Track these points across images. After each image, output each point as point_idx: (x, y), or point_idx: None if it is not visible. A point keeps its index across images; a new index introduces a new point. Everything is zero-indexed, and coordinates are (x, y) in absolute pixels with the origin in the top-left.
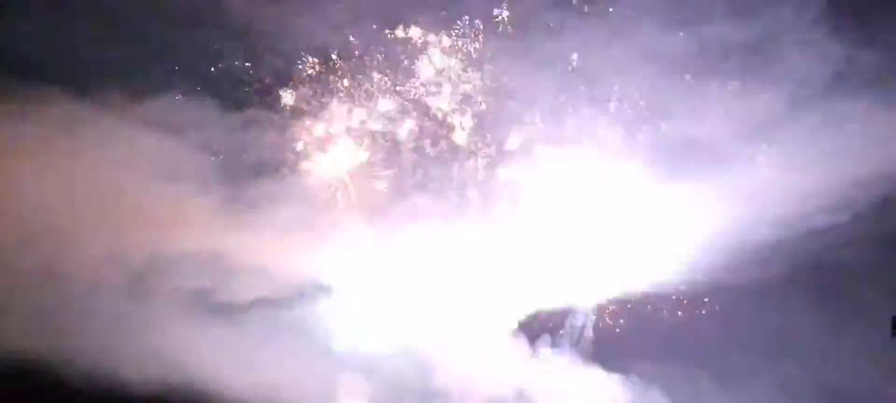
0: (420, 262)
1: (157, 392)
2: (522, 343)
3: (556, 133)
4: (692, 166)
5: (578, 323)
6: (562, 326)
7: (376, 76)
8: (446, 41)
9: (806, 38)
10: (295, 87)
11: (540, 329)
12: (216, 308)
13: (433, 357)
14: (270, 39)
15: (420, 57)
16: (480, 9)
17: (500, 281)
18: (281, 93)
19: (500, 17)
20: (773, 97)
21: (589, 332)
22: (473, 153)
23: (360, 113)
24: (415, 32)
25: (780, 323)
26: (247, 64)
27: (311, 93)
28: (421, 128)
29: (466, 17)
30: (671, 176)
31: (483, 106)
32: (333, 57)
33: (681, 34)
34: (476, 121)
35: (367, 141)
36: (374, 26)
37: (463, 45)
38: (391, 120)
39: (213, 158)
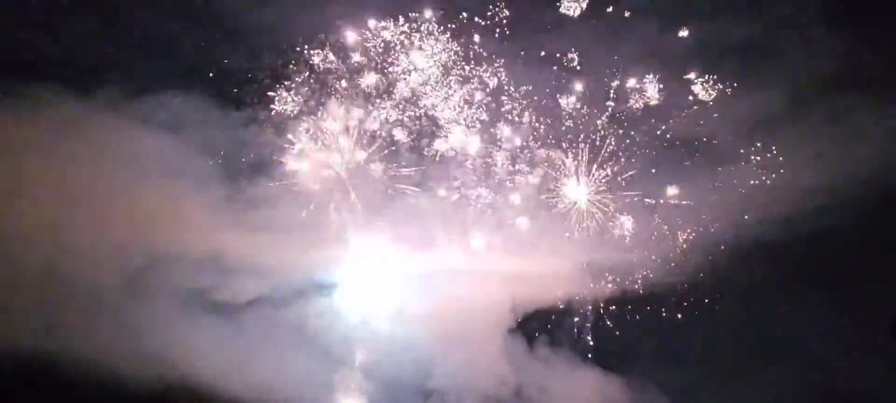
0: (418, 261)
1: (156, 389)
2: (520, 342)
3: (553, 131)
4: (691, 165)
5: (578, 322)
6: (560, 325)
7: (374, 76)
8: (443, 40)
9: (806, 37)
10: (293, 87)
11: (538, 328)
12: (214, 306)
13: (431, 356)
14: (268, 39)
15: (417, 55)
16: (478, 7)
17: (497, 279)
18: (279, 92)
19: (497, 16)
20: (773, 96)
21: (587, 332)
22: (471, 152)
23: (357, 112)
24: (412, 31)
25: (778, 323)
26: (245, 64)
27: (309, 92)
28: (418, 127)
29: (464, 15)
30: (669, 174)
31: (481, 105)
32: (331, 57)
33: (680, 32)
34: (473, 120)
35: (364, 140)
36: (371, 25)
37: (460, 44)
38: (389, 119)
39: (211, 157)
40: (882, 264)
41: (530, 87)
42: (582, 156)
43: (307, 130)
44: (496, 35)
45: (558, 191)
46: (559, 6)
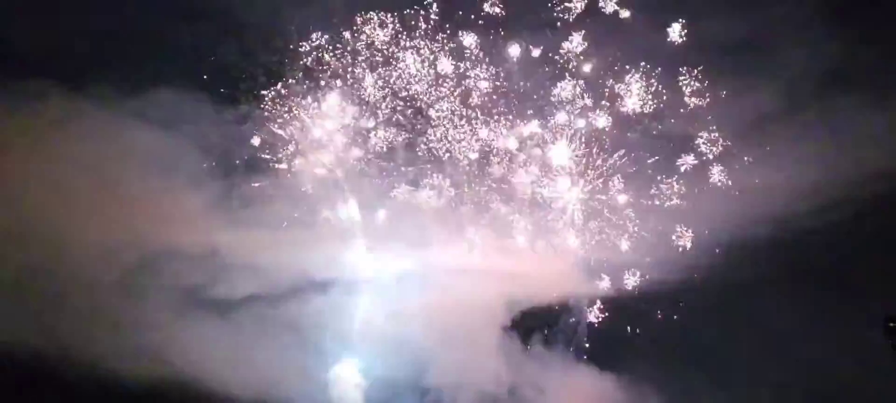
0: (413, 259)
1: (151, 386)
2: (515, 340)
3: (550, 129)
4: (686, 164)
5: (573, 320)
6: (556, 324)
7: (370, 75)
8: (440, 39)
9: (802, 36)
10: (288, 84)
11: (533, 326)
12: (209, 304)
13: (427, 354)
14: (263, 36)
15: (414, 54)
16: (475, 6)
17: (493, 278)
18: (274, 89)
19: (493, 15)
20: (768, 95)
21: (583, 330)
22: (468, 151)
23: (352, 110)
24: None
25: (773, 322)
26: (240, 61)
27: (303, 90)
28: (414, 126)
29: (460, 14)
30: (664, 174)
31: (477, 103)
32: (327, 56)
33: (676, 32)
34: (470, 118)
35: (360, 138)
36: (369, 23)
37: (457, 43)
38: (385, 118)
39: (206, 154)
40: (877, 263)
41: (525, 87)
42: (577, 156)
43: (302, 128)
44: (491, 37)
45: (553, 191)
46: (556, 6)
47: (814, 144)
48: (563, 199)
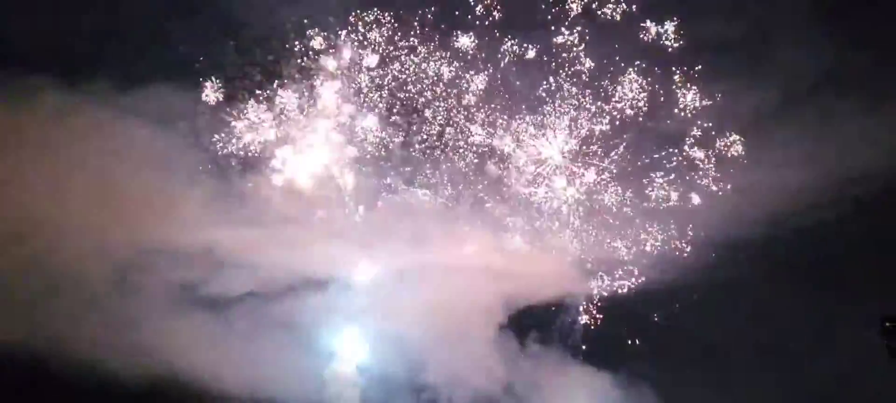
0: (410, 257)
1: (145, 384)
2: (511, 338)
3: (546, 129)
4: (682, 162)
5: (569, 319)
6: (552, 322)
7: (366, 74)
8: (436, 38)
9: (798, 36)
10: (285, 83)
11: (530, 325)
12: (205, 301)
13: (423, 352)
14: (261, 35)
15: (410, 53)
16: (472, 6)
17: (490, 276)
18: (271, 88)
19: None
20: (765, 94)
21: (579, 329)
22: (464, 149)
23: (348, 108)
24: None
25: (768, 321)
26: (238, 59)
27: (300, 88)
28: (410, 124)
29: (457, 13)
30: (661, 173)
31: (472, 102)
32: (323, 55)
33: (672, 33)
34: (466, 117)
35: (356, 136)
36: (365, 23)
37: (453, 43)
38: (381, 116)
39: (202, 152)
40: (872, 262)
41: (521, 87)
42: (572, 155)
43: (298, 126)
44: (487, 39)
45: (549, 190)
46: (552, 6)
47: (809, 144)
48: (558, 199)
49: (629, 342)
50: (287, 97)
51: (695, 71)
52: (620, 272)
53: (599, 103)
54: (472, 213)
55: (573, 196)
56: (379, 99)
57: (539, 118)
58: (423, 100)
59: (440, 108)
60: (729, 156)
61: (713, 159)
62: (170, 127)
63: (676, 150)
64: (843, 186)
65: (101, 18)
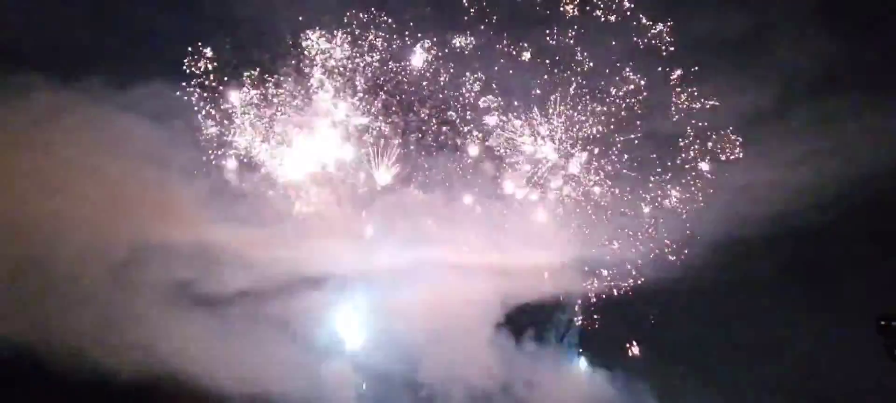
0: (407, 255)
1: (140, 381)
2: (508, 337)
3: (543, 127)
4: (681, 161)
5: (565, 317)
6: (548, 321)
7: (363, 72)
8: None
9: (797, 35)
10: (281, 80)
11: (526, 323)
12: (200, 299)
13: (419, 350)
14: (256, 32)
15: (406, 51)
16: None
17: (486, 274)
18: (266, 85)
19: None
20: (763, 93)
21: (575, 327)
22: (460, 147)
23: (345, 106)
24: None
25: (765, 320)
26: (233, 56)
27: (297, 86)
28: (407, 122)
29: (454, 13)
30: (657, 171)
31: (470, 100)
32: (320, 54)
33: (670, 31)
34: (464, 115)
35: (352, 134)
36: (361, 21)
37: (450, 39)
38: (377, 114)
39: (197, 149)
40: (869, 262)
41: (517, 85)
42: (570, 153)
43: (295, 124)
44: (483, 39)
45: (546, 187)
46: (549, 4)
47: (807, 144)
48: (555, 198)
49: (626, 341)
50: (283, 95)
51: (692, 70)
52: (617, 271)
53: (595, 104)
54: (469, 212)
55: (569, 195)
56: (375, 97)
57: (535, 117)
58: (419, 98)
59: (437, 107)
60: (726, 155)
61: (710, 159)
62: (165, 124)
63: (674, 150)
64: (842, 185)
65: (96, 15)
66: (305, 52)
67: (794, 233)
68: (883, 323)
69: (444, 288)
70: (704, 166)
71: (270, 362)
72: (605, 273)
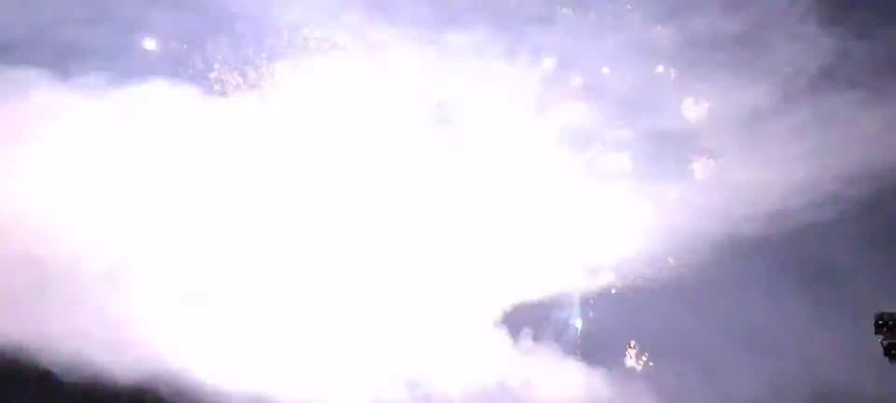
0: (403, 253)
1: (137, 381)
2: (505, 334)
3: (540, 125)
4: (679, 160)
5: (563, 316)
6: (546, 319)
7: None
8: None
9: (797, 32)
10: (278, 78)
11: (523, 321)
12: (197, 297)
13: (416, 348)
14: (255, 29)
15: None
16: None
17: (483, 272)
18: (264, 83)
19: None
20: (763, 91)
21: (573, 325)
22: (456, 145)
23: (342, 105)
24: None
25: (765, 319)
26: (232, 53)
27: (294, 84)
28: (403, 120)
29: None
30: (658, 169)
31: (467, 98)
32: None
33: (669, 26)
34: (461, 113)
35: (349, 131)
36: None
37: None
38: (372, 112)
39: (195, 145)
40: (868, 261)
41: (517, 82)
42: (566, 151)
43: (291, 122)
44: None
45: (543, 187)
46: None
47: (807, 141)
48: (552, 196)
49: (623, 340)
50: (280, 92)
51: (691, 66)
52: (614, 269)
53: (591, 102)
54: (465, 207)
55: (566, 193)
56: (372, 96)
57: (532, 114)
58: (416, 96)
59: (433, 105)
60: (725, 152)
61: (708, 157)
62: (162, 122)
63: (671, 148)
64: (841, 183)
65: (92, 10)
66: (304, 50)
67: (793, 232)
68: (881, 322)
69: (442, 286)
70: (702, 164)
71: (268, 360)
72: (603, 271)
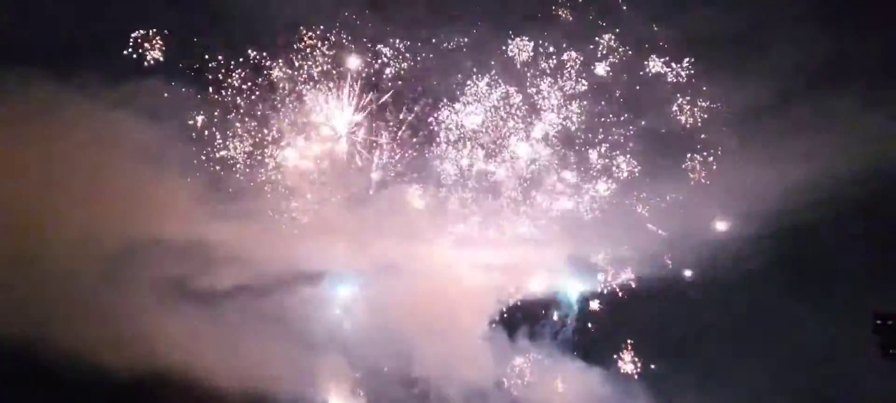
0: (401, 252)
1: (136, 377)
2: (503, 333)
3: (537, 124)
4: (676, 159)
5: (560, 315)
6: (543, 318)
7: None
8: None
9: (793, 32)
10: (276, 77)
11: (521, 320)
12: (195, 295)
13: (413, 346)
14: (251, 27)
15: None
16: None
17: (481, 271)
18: (262, 81)
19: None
20: (761, 90)
21: (571, 325)
22: (454, 145)
23: (339, 104)
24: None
25: (762, 318)
26: (228, 52)
27: (292, 82)
28: (402, 120)
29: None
30: (655, 168)
31: (465, 97)
32: (316, 51)
33: (668, 24)
34: (458, 113)
35: (347, 131)
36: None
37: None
38: (373, 112)
39: (192, 144)
40: (867, 260)
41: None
42: (564, 152)
43: (289, 120)
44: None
45: (541, 186)
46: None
47: (805, 141)
48: (550, 196)
49: (621, 339)
50: (278, 91)
51: (690, 65)
52: (612, 269)
53: (588, 101)
54: (464, 209)
55: (565, 193)
56: (371, 95)
57: (528, 115)
58: (414, 96)
59: (430, 105)
60: (723, 152)
61: (707, 155)
62: (160, 119)
63: (669, 147)
64: (839, 183)
65: (91, 9)
66: (301, 49)
67: (792, 231)
68: (879, 321)
69: (440, 286)
70: (701, 163)
71: (265, 357)
72: (600, 270)
